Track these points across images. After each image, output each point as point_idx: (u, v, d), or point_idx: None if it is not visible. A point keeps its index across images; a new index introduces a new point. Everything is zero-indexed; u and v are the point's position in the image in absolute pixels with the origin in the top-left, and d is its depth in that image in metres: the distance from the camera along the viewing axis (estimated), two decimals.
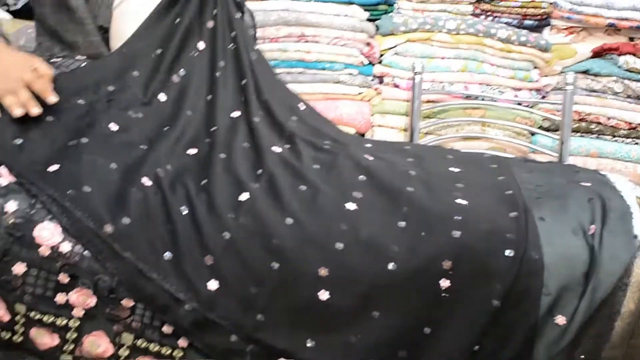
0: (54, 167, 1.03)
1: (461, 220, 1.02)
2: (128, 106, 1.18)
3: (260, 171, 1.13)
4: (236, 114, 1.24)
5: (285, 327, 1.01)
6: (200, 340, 1.01)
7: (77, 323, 1.02)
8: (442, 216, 1.03)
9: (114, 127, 1.13)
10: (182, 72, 1.26)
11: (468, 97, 1.90)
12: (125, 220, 1.00)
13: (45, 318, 1.02)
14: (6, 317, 1.03)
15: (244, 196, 1.06)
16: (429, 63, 1.89)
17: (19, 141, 1.06)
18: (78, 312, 1.02)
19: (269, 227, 1.02)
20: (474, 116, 1.89)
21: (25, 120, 1.07)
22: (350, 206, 1.05)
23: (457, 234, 1.00)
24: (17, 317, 1.03)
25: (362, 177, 1.12)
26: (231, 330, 1.00)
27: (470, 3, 1.96)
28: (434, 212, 1.04)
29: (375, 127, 1.91)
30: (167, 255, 1.00)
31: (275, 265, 0.99)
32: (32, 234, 1.00)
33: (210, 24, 1.29)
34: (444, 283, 0.99)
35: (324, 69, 1.88)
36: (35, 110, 1.07)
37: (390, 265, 0.99)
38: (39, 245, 1.00)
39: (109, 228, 0.99)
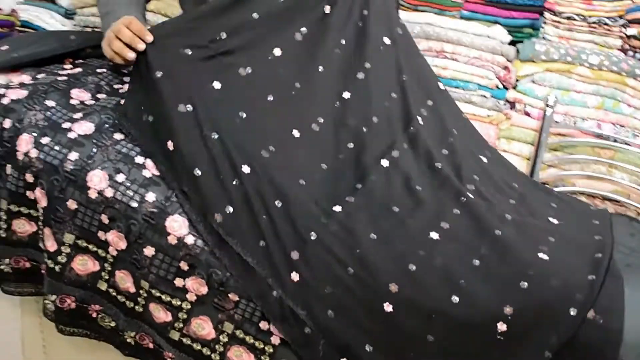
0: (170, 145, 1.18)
1: (533, 274, 1.04)
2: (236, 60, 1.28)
3: (359, 186, 1.21)
4: None
5: (351, 328, 1.08)
6: (282, 329, 1.12)
7: (189, 306, 1.17)
8: (517, 268, 1.06)
9: (217, 85, 1.24)
10: (304, 30, 1.33)
11: (599, 136, 1.85)
12: (229, 209, 1.13)
13: (163, 297, 1.17)
14: (132, 289, 1.20)
15: (337, 208, 1.15)
16: (564, 95, 1.86)
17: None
18: (191, 297, 1.16)
19: (355, 238, 1.11)
20: (603, 156, 1.84)
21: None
22: (434, 235, 1.12)
23: (524, 284, 1.04)
24: (141, 292, 1.19)
25: (456, 211, 1.18)
26: (305, 322, 1.09)
27: (620, 37, 1.89)
28: (510, 261, 1.08)
29: (499, 152, 1.91)
30: (262, 243, 1.11)
31: (351, 270, 1.08)
32: (164, 223, 1.15)
33: None
34: (501, 327, 1.02)
35: (457, 87, 1.90)
36: (130, 54, 1.24)
37: (454, 298, 1.04)
38: (168, 234, 1.14)
39: (218, 217, 1.12)
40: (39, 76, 1.37)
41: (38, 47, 1.47)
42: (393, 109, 1.36)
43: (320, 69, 1.32)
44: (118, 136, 1.24)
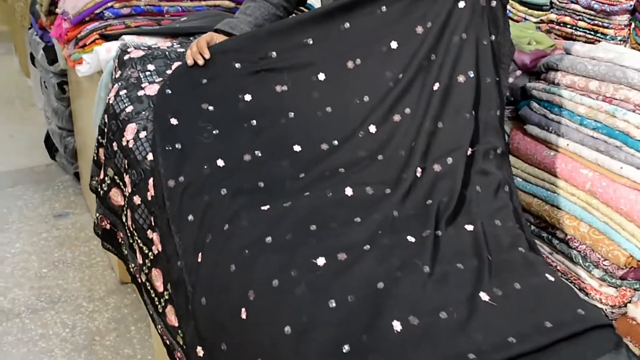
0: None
1: None
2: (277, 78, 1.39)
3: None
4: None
5: (212, 323, 1.14)
6: (175, 296, 1.26)
7: (152, 257, 1.35)
8: None
9: (247, 97, 1.39)
10: (358, 61, 1.37)
11: None
12: (180, 179, 1.27)
13: (144, 248, 1.38)
14: (121, 235, 1.43)
15: (265, 207, 1.19)
16: None
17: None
18: (155, 249, 1.34)
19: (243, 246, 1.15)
20: None
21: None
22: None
23: None
24: (128, 234, 1.42)
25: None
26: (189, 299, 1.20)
27: None
28: None
29: None
30: (190, 217, 1.23)
31: (233, 268, 1.12)
32: (148, 180, 1.34)
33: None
34: None
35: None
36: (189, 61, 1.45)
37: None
38: (147, 190, 1.34)
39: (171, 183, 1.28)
40: (175, 44, 1.67)
41: (201, 22, 1.78)
42: (415, 157, 1.29)
43: (365, 99, 1.34)
44: None
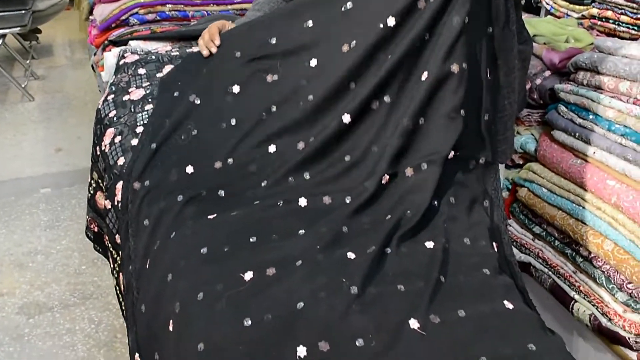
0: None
1: None
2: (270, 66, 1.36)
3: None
4: None
5: (146, 331, 1.13)
6: (124, 299, 1.27)
7: (119, 261, 1.35)
8: None
9: (235, 88, 1.37)
10: (353, 43, 1.27)
11: None
12: (146, 182, 1.27)
13: (110, 246, 1.38)
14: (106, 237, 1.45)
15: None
16: None
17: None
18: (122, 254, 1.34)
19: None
20: None
21: None
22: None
23: None
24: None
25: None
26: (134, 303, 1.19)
27: None
28: None
29: None
30: (146, 222, 1.22)
31: (170, 277, 1.10)
32: (115, 185, 1.35)
33: None
34: None
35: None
36: (205, 52, 1.48)
37: None
38: (115, 195, 1.34)
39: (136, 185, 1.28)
40: (174, 48, 1.67)
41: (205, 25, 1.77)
42: (384, 159, 1.21)
43: (352, 85, 1.26)
44: (148, 106, 1.46)
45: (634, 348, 1.52)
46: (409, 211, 1.17)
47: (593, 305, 1.60)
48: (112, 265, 1.39)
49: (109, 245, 1.40)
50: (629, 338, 1.51)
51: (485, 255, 1.13)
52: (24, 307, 2.22)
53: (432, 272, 1.06)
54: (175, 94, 1.42)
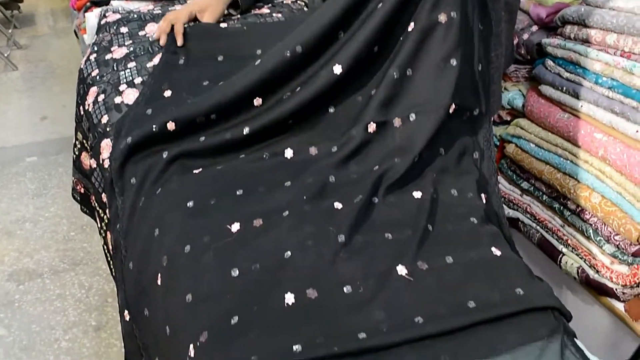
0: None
1: None
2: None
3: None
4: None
5: (133, 290, 1.13)
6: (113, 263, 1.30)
7: (106, 220, 1.34)
8: None
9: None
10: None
11: None
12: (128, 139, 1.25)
13: (97, 206, 1.37)
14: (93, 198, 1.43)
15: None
16: None
17: None
18: (108, 213, 1.33)
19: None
20: None
21: None
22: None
23: None
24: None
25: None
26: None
27: None
28: None
29: None
30: (132, 180, 1.22)
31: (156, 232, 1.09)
32: (100, 144, 1.33)
33: None
34: None
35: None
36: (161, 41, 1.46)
37: None
38: (100, 154, 1.33)
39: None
40: (156, 7, 1.64)
41: None
42: (371, 108, 1.19)
43: (340, 35, 1.23)
44: (130, 64, 1.43)
45: (621, 299, 1.54)
46: (397, 160, 1.16)
47: (581, 258, 1.61)
48: (99, 225, 1.38)
49: (96, 205, 1.39)
50: (616, 289, 1.53)
51: (473, 206, 1.13)
52: (14, 274, 2.22)
53: (420, 221, 1.05)
54: (181, 61, 1.40)
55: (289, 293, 0.91)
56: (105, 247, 1.36)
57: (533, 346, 0.89)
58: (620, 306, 1.55)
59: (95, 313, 2.04)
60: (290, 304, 0.90)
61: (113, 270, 1.30)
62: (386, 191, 1.11)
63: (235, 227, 1.03)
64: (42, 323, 2.00)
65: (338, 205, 1.06)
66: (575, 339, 0.94)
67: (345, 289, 0.92)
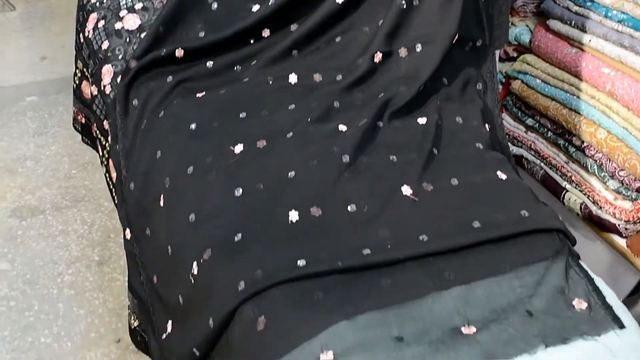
0: None
1: None
2: None
3: None
4: None
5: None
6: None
7: (108, 147, 1.33)
8: None
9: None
10: None
11: None
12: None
13: (99, 133, 1.36)
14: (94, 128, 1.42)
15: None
16: None
17: None
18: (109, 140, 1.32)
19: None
20: None
21: None
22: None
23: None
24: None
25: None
26: None
27: None
28: None
29: None
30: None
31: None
32: (101, 70, 1.31)
33: None
34: None
35: None
36: None
37: None
38: (101, 80, 1.31)
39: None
40: None
41: None
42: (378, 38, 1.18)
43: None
44: None
45: (623, 235, 1.54)
46: (402, 88, 1.14)
47: (584, 195, 1.61)
48: (101, 154, 1.37)
49: (97, 132, 1.38)
50: (618, 225, 1.53)
51: (478, 133, 1.12)
52: (16, 210, 2.22)
53: (425, 144, 1.05)
54: None
55: (292, 211, 0.91)
56: (107, 175, 1.35)
57: (537, 266, 0.89)
58: (622, 242, 1.56)
59: (98, 248, 2.05)
60: (294, 221, 0.90)
61: (115, 197, 1.30)
62: (391, 116, 1.10)
63: (238, 148, 1.02)
64: (45, 258, 2.01)
65: (342, 127, 1.05)
66: (579, 261, 0.94)
67: (349, 208, 0.92)
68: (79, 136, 2.47)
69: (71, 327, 1.79)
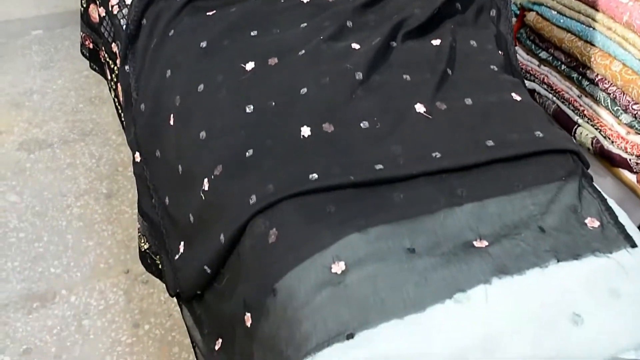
0: None
1: None
2: None
3: None
4: None
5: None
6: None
7: (116, 71, 1.32)
8: None
9: None
10: None
11: None
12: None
13: (107, 57, 1.34)
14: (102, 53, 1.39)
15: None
16: None
17: None
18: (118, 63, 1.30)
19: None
20: None
21: None
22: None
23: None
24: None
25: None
26: None
27: None
28: None
29: None
30: None
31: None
32: None
33: None
34: None
35: None
36: None
37: None
38: None
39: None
40: None
41: None
42: None
43: None
44: None
45: (634, 170, 1.53)
46: (416, 11, 1.12)
47: (596, 129, 1.59)
48: (109, 77, 1.36)
49: (106, 56, 1.36)
50: (630, 160, 1.51)
51: (492, 56, 1.10)
52: (24, 143, 2.22)
53: (439, 65, 1.03)
54: None
55: (304, 126, 0.90)
56: (115, 99, 1.34)
57: (551, 185, 0.89)
58: (632, 178, 1.54)
59: (106, 181, 2.05)
60: (306, 136, 0.89)
61: (123, 116, 1.29)
62: (404, 37, 1.07)
63: (249, 65, 1.00)
64: (54, 190, 2.02)
65: (355, 45, 1.03)
66: (592, 182, 0.93)
67: (362, 124, 0.91)
68: (86, 71, 2.47)
69: (80, 258, 1.80)
